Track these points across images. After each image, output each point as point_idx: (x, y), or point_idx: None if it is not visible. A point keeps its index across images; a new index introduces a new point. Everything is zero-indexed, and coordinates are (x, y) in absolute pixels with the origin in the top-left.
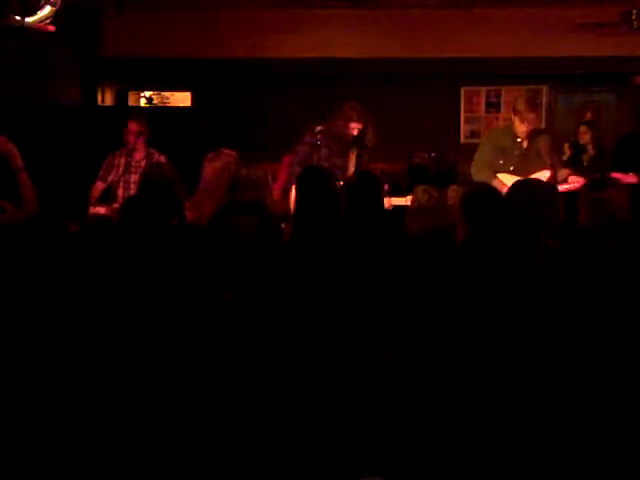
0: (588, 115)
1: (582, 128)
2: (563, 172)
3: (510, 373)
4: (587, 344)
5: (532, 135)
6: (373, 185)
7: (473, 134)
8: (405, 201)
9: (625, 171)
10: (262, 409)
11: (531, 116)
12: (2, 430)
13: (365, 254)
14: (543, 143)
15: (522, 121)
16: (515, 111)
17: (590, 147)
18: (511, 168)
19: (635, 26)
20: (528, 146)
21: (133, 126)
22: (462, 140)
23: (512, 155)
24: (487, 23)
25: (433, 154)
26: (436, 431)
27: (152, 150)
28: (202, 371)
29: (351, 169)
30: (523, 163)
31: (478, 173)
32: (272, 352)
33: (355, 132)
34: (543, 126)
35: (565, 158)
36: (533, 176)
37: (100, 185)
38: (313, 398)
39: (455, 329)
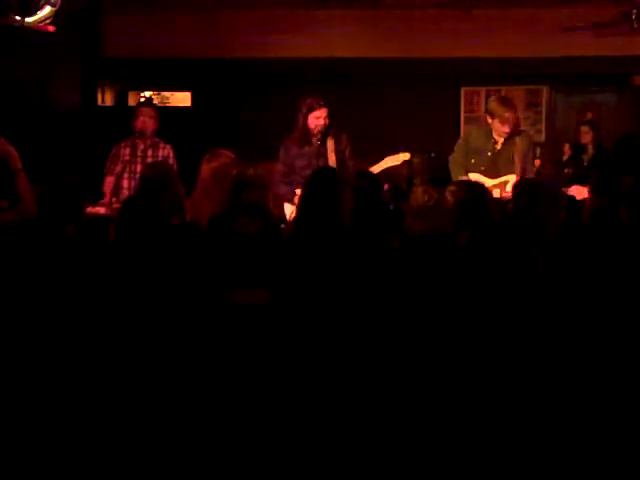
0: (589, 115)
1: (584, 128)
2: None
3: (515, 375)
4: (589, 343)
5: (509, 137)
6: (371, 184)
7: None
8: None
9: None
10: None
11: (509, 115)
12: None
13: (367, 255)
14: (519, 146)
15: (502, 122)
16: (491, 113)
17: (591, 147)
18: (482, 168)
19: (635, 26)
20: (502, 148)
21: (149, 110)
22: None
23: (484, 155)
24: (487, 23)
25: (433, 154)
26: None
27: (157, 139)
28: (204, 372)
29: (332, 163)
30: (493, 164)
31: (453, 171)
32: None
33: (322, 121)
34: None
35: (565, 158)
36: (500, 179)
37: (110, 179)
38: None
39: (460, 329)
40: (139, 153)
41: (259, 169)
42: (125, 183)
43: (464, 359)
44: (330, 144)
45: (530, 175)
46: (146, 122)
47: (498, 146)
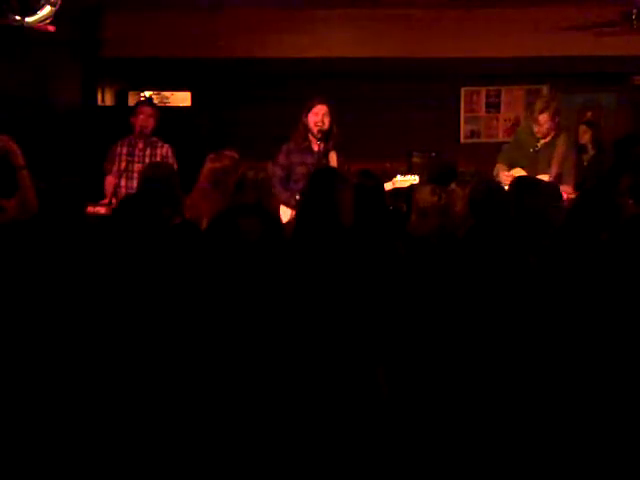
0: (588, 115)
1: (582, 128)
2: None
3: (511, 375)
4: (585, 341)
5: (553, 137)
6: (375, 184)
7: (473, 134)
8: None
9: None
10: (255, 411)
11: (541, 117)
12: (2, 430)
13: (368, 256)
14: (559, 148)
15: (535, 122)
16: (531, 112)
17: (590, 147)
18: (524, 163)
19: (635, 26)
20: (543, 147)
21: (149, 109)
22: (462, 140)
23: (527, 151)
24: (487, 23)
25: (433, 154)
26: (431, 442)
27: (155, 138)
28: (196, 370)
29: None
30: (533, 162)
31: (498, 162)
32: (272, 355)
33: (320, 118)
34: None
35: None
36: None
37: (110, 179)
38: (306, 404)
39: (455, 333)
40: (137, 152)
41: (260, 172)
42: (122, 182)
43: (460, 357)
44: (332, 157)
45: (568, 180)
46: (146, 121)
47: (539, 145)
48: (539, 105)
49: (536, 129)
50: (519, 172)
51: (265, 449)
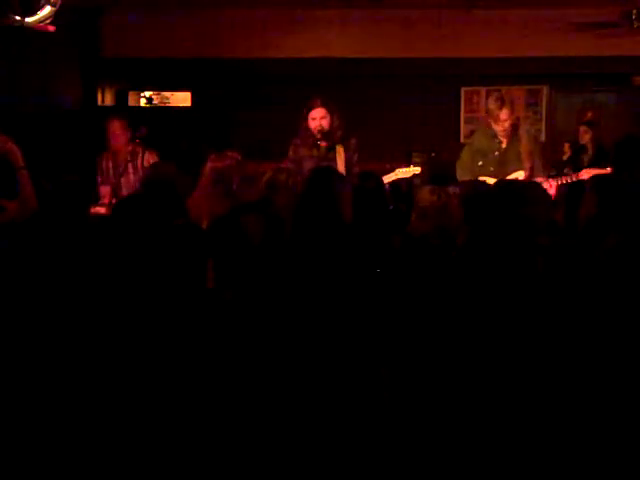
0: (588, 115)
1: (582, 128)
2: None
3: (512, 378)
4: (587, 342)
5: (512, 135)
6: (376, 185)
7: (473, 134)
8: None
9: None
10: (258, 411)
11: (501, 114)
12: (2, 429)
13: (367, 256)
14: (525, 143)
15: (496, 121)
16: (488, 113)
17: (590, 147)
18: (491, 169)
19: (635, 26)
20: (507, 146)
21: (116, 126)
22: (462, 140)
23: (491, 156)
24: (487, 23)
25: (433, 154)
26: (434, 443)
27: (134, 149)
28: (200, 369)
29: (340, 169)
30: (501, 164)
31: (460, 176)
32: (272, 353)
33: (318, 122)
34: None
35: (565, 158)
36: (509, 177)
37: (105, 189)
38: (309, 401)
39: (456, 335)
40: (120, 165)
41: (292, 175)
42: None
43: (462, 358)
44: (340, 151)
45: (539, 172)
46: (117, 139)
47: (504, 145)
48: (495, 103)
49: (499, 128)
50: (490, 180)
51: (266, 449)
